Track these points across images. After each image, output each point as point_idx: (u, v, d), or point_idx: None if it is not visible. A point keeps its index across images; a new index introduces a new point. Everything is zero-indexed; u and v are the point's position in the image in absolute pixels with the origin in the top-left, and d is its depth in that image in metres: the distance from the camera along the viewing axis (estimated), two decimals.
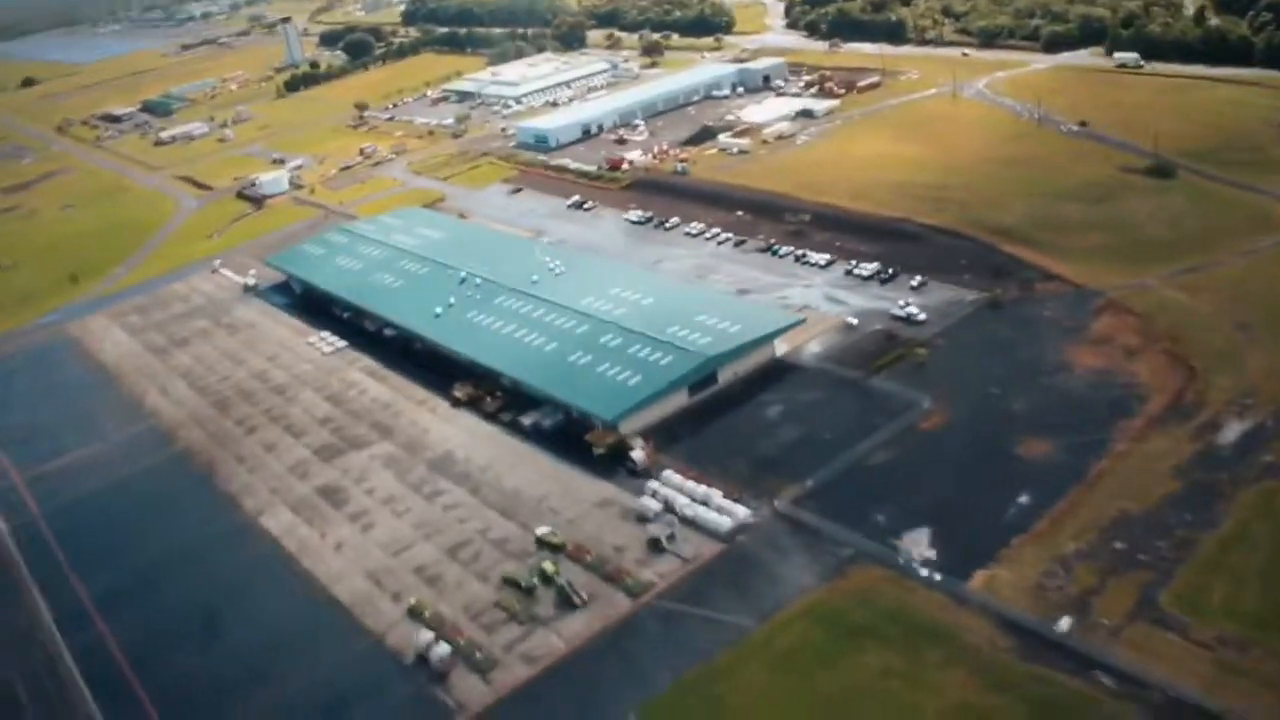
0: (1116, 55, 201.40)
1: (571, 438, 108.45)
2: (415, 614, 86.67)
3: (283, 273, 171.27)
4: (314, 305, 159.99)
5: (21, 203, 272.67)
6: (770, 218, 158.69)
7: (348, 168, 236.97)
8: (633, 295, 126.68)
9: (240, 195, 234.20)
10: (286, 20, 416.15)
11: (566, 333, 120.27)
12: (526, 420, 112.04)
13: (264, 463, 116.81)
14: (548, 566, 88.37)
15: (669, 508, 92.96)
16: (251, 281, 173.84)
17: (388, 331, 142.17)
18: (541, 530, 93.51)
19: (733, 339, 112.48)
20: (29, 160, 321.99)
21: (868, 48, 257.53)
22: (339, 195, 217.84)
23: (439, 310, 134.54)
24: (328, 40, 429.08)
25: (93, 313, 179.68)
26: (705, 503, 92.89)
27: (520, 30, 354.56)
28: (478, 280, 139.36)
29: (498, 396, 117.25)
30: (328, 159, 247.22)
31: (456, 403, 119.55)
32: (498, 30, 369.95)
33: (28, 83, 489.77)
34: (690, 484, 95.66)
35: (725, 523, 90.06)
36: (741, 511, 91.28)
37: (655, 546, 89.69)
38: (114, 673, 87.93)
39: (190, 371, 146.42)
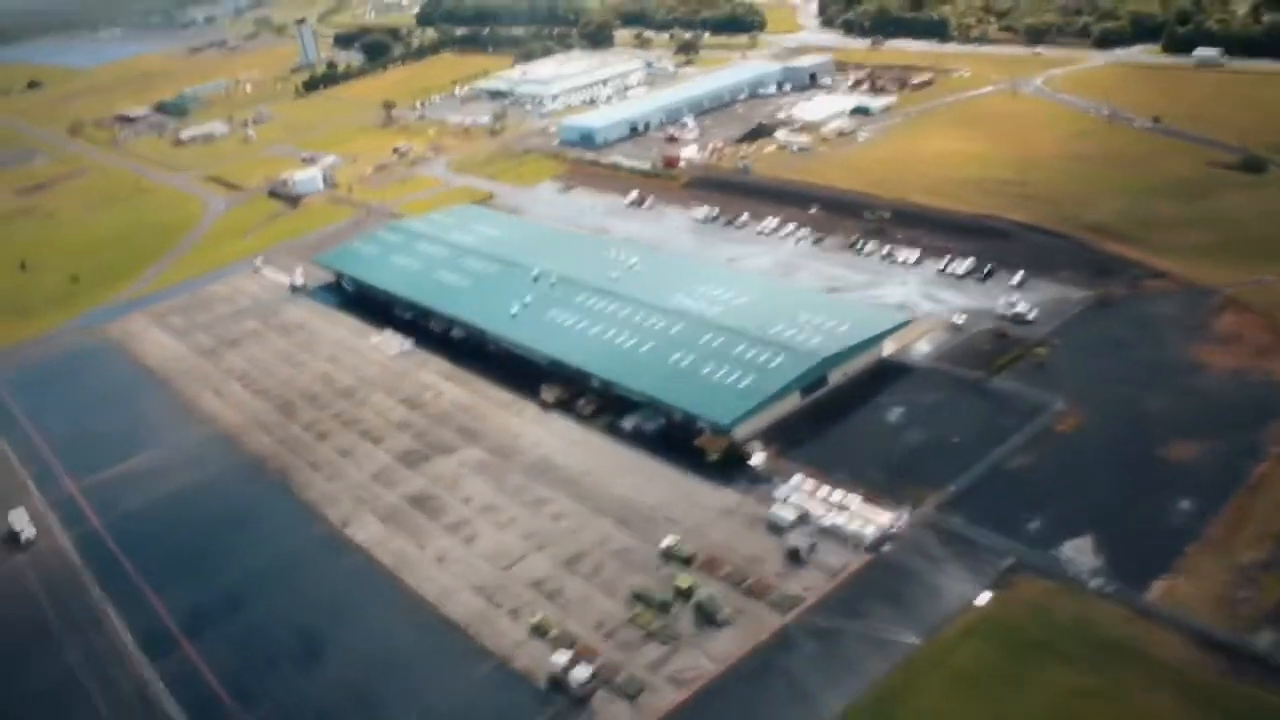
0: (1197, 52, 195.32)
1: (676, 442, 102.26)
2: (540, 632, 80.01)
3: (334, 271, 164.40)
4: (370, 305, 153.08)
5: (39, 204, 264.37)
6: (846, 215, 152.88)
7: (384, 166, 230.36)
8: (724, 294, 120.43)
9: (272, 194, 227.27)
10: (302, 21, 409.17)
11: (661, 332, 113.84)
12: (627, 424, 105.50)
13: (343, 470, 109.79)
14: (683, 580, 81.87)
15: (804, 516, 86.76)
16: (299, 281, 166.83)
17: (456, 332, 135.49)
18: (667, 541, 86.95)
19: (844, 339, 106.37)
20: (42, 162, 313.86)
21: (910, 45, 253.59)
22: (378, 194, 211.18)
23: (515, 309, 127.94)
24: (342, 41, 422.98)
25: (129, 314, 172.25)
26: (843, 510, 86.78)
27: (545, 29, 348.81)
28: (553, 278, 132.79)
29: (592, 399, 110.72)
30: (361, 158, 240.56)
31: (545, 405, 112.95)
32: (519, 30, 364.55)
33: (33, 85, 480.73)
34: (823, 491, 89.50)
35: (869, 531, 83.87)
36: (885, 519, 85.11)
37: (795, 557, 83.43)
38: (211, 701, 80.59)
39: (245, 374, 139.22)
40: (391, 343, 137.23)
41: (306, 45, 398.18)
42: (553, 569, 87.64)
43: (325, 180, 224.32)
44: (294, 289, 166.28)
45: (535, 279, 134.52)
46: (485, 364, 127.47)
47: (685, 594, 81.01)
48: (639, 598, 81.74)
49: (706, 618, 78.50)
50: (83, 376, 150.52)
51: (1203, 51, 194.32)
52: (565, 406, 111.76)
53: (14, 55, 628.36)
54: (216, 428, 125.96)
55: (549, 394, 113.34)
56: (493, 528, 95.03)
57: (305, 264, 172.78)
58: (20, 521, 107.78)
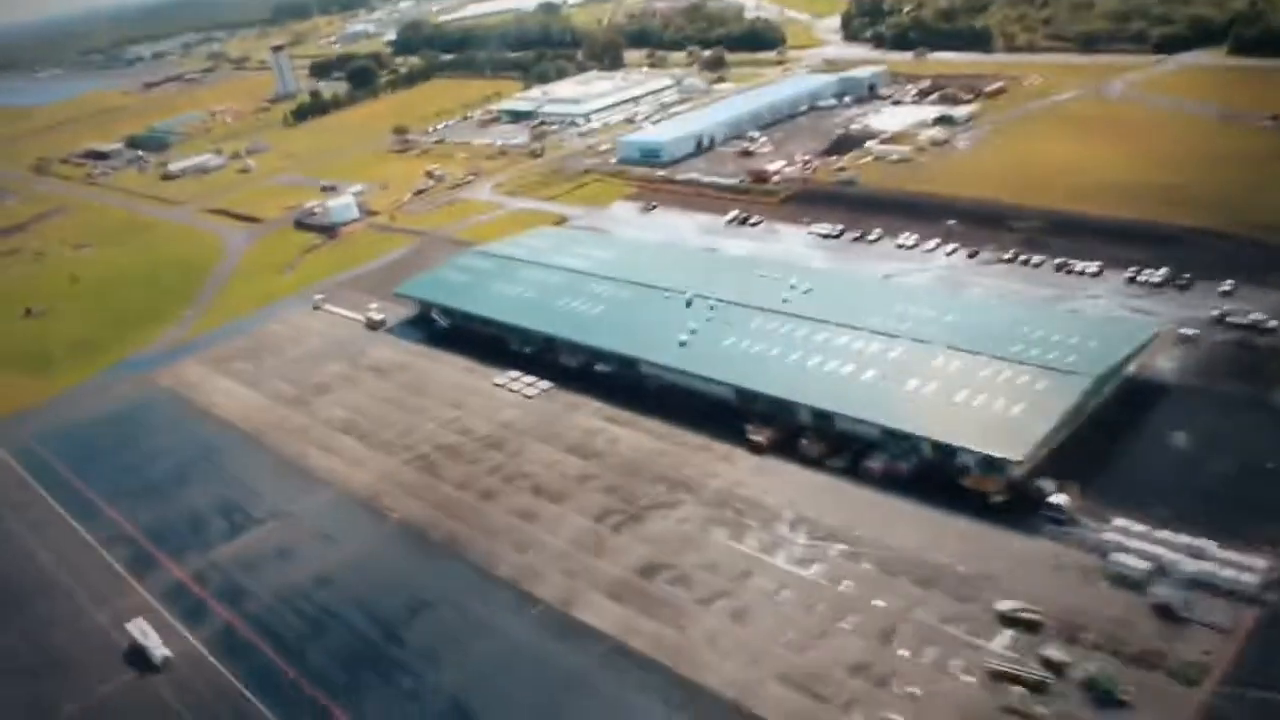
0: None
1: (936, 483, 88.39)
2: None
3: (421, 303, 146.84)
4: (471, 339, 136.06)
5: (22, 245, 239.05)
6: (989, 226, 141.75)
7: (422, 192, 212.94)
8: (927, 311, 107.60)
9: (299, 225, 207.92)
10: (279, 49, 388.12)
11: (878, 357, 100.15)
12: (874, 464, 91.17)
13: (533, 537, 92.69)
14: (1053, 653, 67.78)
15: (1161, 566, 73.63)
16: (378, 317, 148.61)
17: (600, 366, 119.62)
18: (1004, 605, 72.82)
19: (1104, 356, 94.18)
20: (13, 201, 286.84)
21: (950, 56, 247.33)
22: (428, 220, 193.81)
23: (684, 338, 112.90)
24: (318, 70, 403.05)
25: (176, 361, 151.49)
26: (1199, 556, 73.94)
27: (545, 52, 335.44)
28: (711, 302, 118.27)
29: (814, 438, 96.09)
30: (391, 184, 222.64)
31: (758, 448, 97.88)
32: (513, 53, 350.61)
33: None
34: (1164, 534, 76.52)
35: (1248, 579, 71.15)
36: (1260, 564, 72.49)
37: (1168, 615, 70.15)
38: None
39: (352, 425, 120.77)
40: (525, 382, 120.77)
41: (284, 75, 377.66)
42: (867, 647, 72.51)
43: (359, 208, 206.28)
44: (372, 325, 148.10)
45: (689, 303, 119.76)
46: (648, 402, 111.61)
47: (1058, 669, 67.01)
48: (1004, 677, 67.33)
49: (1103, 698, 64.47)
50: (146, 436, 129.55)
51: None
52: (782, 448, 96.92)
53: None
54: (342, 491, 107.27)
55: (760, 434, 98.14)
56: (761, 599, 79.40)
57: (378, 297, 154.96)
58: (146, 635, 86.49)
